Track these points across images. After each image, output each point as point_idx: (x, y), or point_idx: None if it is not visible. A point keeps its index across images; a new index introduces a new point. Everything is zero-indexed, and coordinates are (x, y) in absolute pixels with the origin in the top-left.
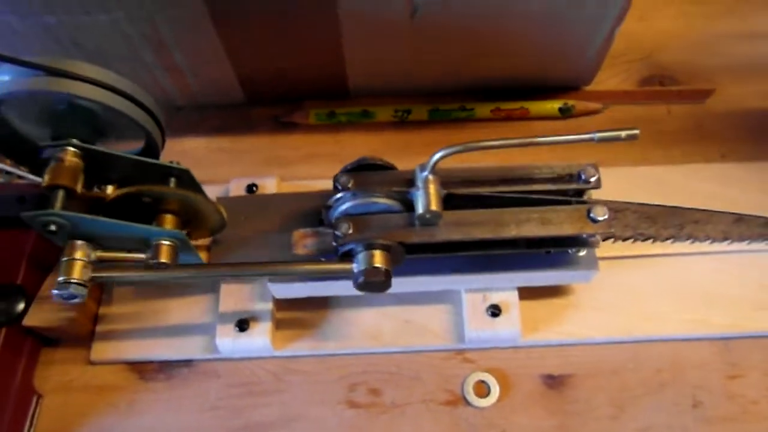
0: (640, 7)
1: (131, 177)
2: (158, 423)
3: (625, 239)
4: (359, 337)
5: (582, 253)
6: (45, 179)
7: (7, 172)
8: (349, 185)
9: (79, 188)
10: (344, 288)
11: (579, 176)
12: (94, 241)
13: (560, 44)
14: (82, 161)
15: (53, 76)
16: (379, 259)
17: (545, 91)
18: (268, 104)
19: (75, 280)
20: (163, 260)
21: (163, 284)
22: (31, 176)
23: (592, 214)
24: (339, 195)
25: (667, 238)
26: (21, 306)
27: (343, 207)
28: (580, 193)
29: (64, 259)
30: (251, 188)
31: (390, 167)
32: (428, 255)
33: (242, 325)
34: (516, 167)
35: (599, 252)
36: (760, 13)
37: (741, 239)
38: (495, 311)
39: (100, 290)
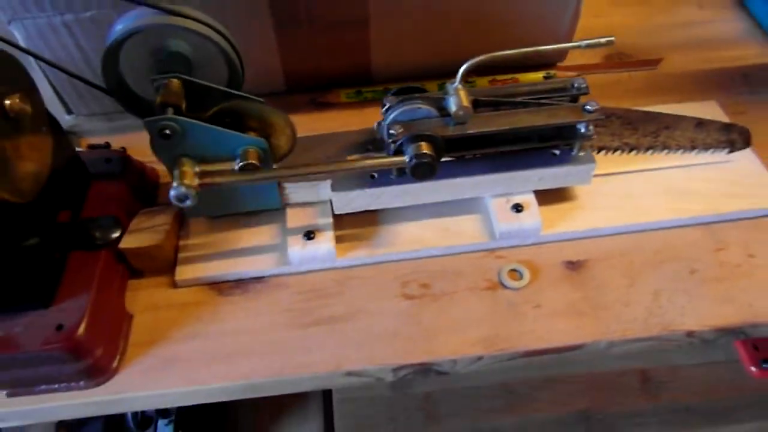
0: (596, 8)
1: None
2: (239, 325)
3: (614, 150)
4: (407, 243)
5: (582, 153)
6: (158, 99)
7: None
8: (396, 100)
9: (183, 108)
10: (393, 199)
11: (572, 85)
12: (195, 154)
13: (540, 23)
14: (183, 90)
15: (170, 14)
16: (425, 147)
17: (530, 69)
18: (304, 92)
19: (187, 184)
20: (251, 161)
21: (237, 213)
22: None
23: (586, 107)
24: (387, 105)
25: (647, 148)
26: (116, 233)
27: (393, 114)
28: (574, 99)
29: (176, 170)
30: None
31: (425, 90)
32: (460, 153)
33: (309, 234)
34: (524, 84)
35: (597, 170)
36: (687, 9)
37: (705, 147)
38: (519, 208)
39: (179, 225)
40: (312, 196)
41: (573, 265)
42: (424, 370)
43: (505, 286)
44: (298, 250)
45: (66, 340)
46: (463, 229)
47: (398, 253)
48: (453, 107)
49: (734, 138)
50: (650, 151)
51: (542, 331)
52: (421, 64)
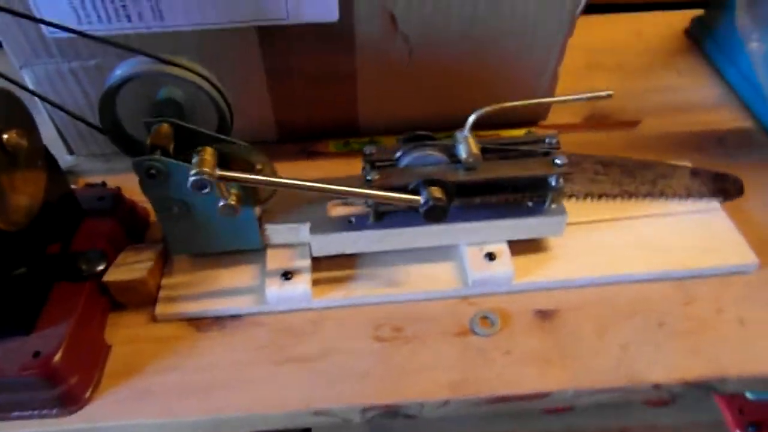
0: (575, 72)
1: None
2: (215, 359)
3: (614, 197)
4: (382, 287)
5: (554, 206)
6: (148, 141)
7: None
8: (407, 146)
9: (171, 150)
10: (370, 244)
11: (544, 140)
12: (179, 195)
13: (520, 84)
14: (173, 133)
15: (165, 64)
16: (437, 192)
17: (512, 126)
18: (296, 141)
19: (207, 171)
20: (230, 202)
21: (219, 251)
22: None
23: (556, 161)
24: (400, 152)
25: (645, 195)
26: (102, 266)
27: (407, 160)
28: (547, 153)
29: (196, 159)
30: None
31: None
32: (468, 198)
33: (287, 275)
34: (509, 138)
35: (575, 218)
36: (665, 75)
37: (700, 196)
38: (491, 256)
39: (163, 261)
40: (292, 238)
41: (544, 314)
42: (392, 412)
43: (475, 333)
44: (275, 290)
45: (41, 367)
46: (438, 276)
47: (373, 296)
48: (463, 154)
49: (728, 187)
50: (648, 198)
51: (510, 377)
52: (407, 118)
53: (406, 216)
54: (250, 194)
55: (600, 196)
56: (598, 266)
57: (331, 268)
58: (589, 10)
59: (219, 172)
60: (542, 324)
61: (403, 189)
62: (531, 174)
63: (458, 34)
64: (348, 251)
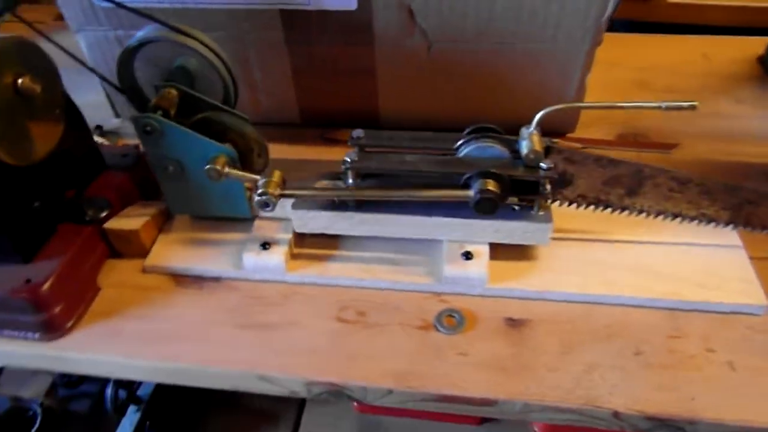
0: (623, 90)
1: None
2: (186, 314)
3: (691, 219)
4: (355, 271)
5: (541, 212)
6: (152, 101)
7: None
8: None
9: (172, 113)
10: (349, 227)
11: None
12: (172, 154)
13: (542, 90)
14: (178, 98)
15: (177, 32)
16: (491, 184)
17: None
18: (316, 126)
19: (270, 192)
20: (217, 167)
21: (212, 216)
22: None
23: (541, 165)
24: (462, 141)
25: (727, 223)
26: (104, 213)
27: (466, 149)
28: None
29: (263, 180)
30: None
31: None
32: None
33: (265, 245)
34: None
35: (568, 230)
36: (718, 100)
37: (718, 220)
38: (468, 256)
39: (164, 219)
40: (279, 212)
41: (514, 323)
42: (337, 391)
43: (438, 329)
44: (252, 257)
45: (29, 292)
46: (413, 268)
47: (345, 278)
48: (525, 150)
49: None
50: (730, 226)
51: (458, 378)
52: (427, 113)
53: (388, 204)
54: (237, 162)
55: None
56: (583, 283)
57: (313, 246)
58: (653, 29)
59: (280, 192)
60: (509, 332)
61: (376, 174)
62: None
63: (475, 32)
64: (328, 231)
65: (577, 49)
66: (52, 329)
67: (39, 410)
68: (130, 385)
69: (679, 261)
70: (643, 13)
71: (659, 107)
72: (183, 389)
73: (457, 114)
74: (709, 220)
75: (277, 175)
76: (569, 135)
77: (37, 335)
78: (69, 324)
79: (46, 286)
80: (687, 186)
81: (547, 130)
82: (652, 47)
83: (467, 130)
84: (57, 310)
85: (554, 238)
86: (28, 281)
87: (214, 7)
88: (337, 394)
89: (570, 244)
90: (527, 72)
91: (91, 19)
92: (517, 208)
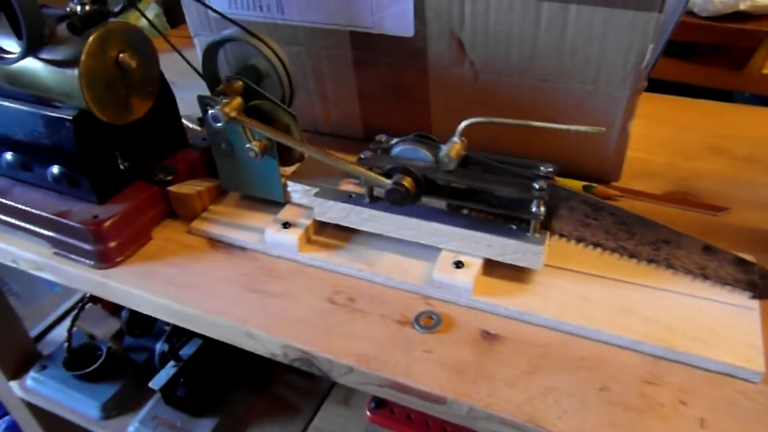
0: (691, 151)
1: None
2: (207, 269)
3: (611, 251)
4: (357, 263)
5: (537, 235)
6: (219, 87)
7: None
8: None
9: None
10: (361, 221)
11: (539, 167)
12: (226, 135)
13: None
14: (242, 89)
15: (252, 37)
16: (407, 180)
17: (575, 178)
18: None
19: (225, 111)
20: (253, 147)
21: (251, 195)
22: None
23: (534, 184)
24: (396, 141)
25: (649, 260)
26: (169, 178)
27: (397, 149)
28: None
29: (225, 99)
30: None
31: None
32: (436, 198)
33: (286, 224)
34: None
35: (568, 264)
36: None
37: (721, 282)
38: (459, 265)
39: (216, 193)
40: (305, 199)
41: (488, 336)
42: (308, 360)
43: (414, 326)
44: (272, 233)
45: (93, 225)
46: (408, 269)
47: (346, 267)
48: (441, 153)
49: (754, 280)
50: (653, 265)
51: (416, 371)
52: (475, 142)
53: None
54: (274, 148)
55: (595, 246)
56: (565, 312)
57: (330, 236)
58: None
59: (233, 115)
60: (480, 343)
61: (384, 172)
62: (500, 188)
63: (519, 67)
64: (342, 223)
65: (619, 93)
66: (104, 260)
67: (105, 350)
68: (175, 343)
69: (682, 311)
70: (739, 83)
71: (568, 129)
72: (222, 361)
73: (501, 146)
74: (630, 255)
75: (237, 102)
76: (614, 184)
77: (92, 262)
78: (119, 259)
79: (107, 223)
80: (600, 214)
81: (588, 176)
82: (734, 115)
83: (413, 135)
84: (112, 245)
85: (553, 267)
86: (95, 217)
87: (297, 24)
88: (308, 363)
89: (569, 276)
90: (570, 112)
91: (206, 26)
92: (514, 227)
